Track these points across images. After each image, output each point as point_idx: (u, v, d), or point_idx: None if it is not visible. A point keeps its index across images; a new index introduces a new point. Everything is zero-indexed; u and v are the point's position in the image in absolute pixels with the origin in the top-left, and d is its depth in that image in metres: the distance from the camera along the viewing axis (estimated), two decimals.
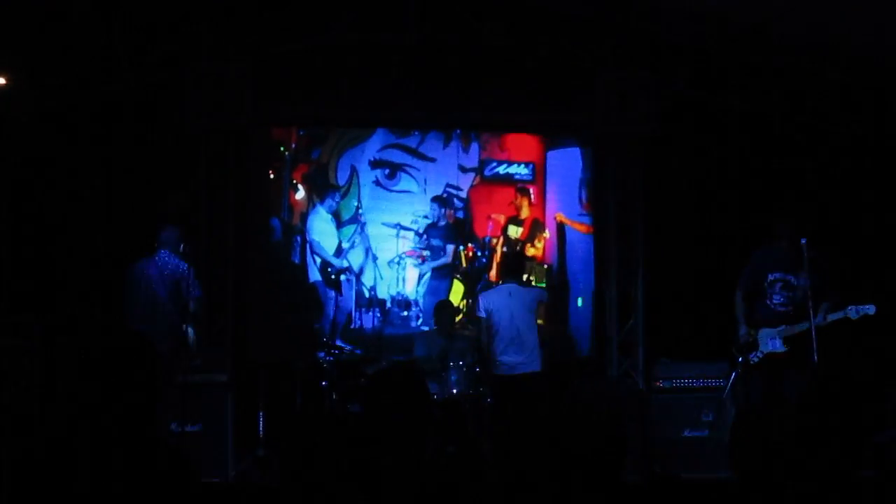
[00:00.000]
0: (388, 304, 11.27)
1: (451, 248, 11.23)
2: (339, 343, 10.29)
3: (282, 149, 11.12)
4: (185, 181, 10.33)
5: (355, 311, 11.13)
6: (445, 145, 11.34)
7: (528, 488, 3.55)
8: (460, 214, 11.33)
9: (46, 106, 10.10)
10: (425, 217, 11.22)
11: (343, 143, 11.24)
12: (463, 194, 11.33)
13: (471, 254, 11.28)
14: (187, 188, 10.31)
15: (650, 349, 10.49)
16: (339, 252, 11.05)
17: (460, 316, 10.90)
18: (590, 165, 11.13)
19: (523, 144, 11.49)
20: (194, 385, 8.92)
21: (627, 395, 9.74)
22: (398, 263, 11.32)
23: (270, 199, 10.98)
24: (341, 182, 11.17)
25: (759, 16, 9.39)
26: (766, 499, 4.55)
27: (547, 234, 11.23)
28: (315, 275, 11.00)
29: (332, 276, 10.95)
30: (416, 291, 11.28)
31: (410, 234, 11.29)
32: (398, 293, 11.25)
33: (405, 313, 11.23)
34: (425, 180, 11.28)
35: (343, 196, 11.14)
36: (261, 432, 9.47)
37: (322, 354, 9.43)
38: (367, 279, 11.12)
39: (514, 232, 11.23)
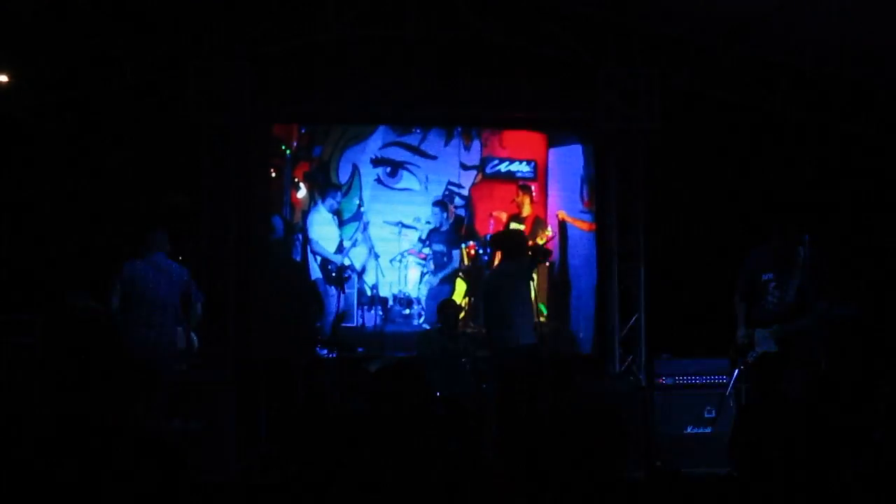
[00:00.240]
0: (390, 303, 11.27)
1: (456, 252, 11.23)
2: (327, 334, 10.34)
3: (283, 147, 11.12)
4: (186, 178, 10.33)
5: (357, 309, 11.13)
6: (447, 143, 11.33)
7: (530, 484, 3.54)
8: (461, 212, 11.32)
9: (46, 103, 10.11)
10: (427, 223, 11.22)
11: (344, 140, 11.23)
12: (464, 192, 11.32)
13: (472, 252, 11.27)
14: (188, 185, 10.31)
15: (652, 345, 10.49)
16: (340, 250, 11.05)
17: (463, 314, 10.88)
18: (592, 162, 11.13)
19: (525, 142, 11.48)
20: (196, 382, 8.92)
21: (629, 392, 9.73)
22: (400, 261, 11.31)
23: (272, 197, 10.98)
24: (343, 180, 11.16)
25: (762, 11, 9.36)
26: (767, 495, 4.55)
27: (549, 231, 11.22)
28: (315, 272, 11.00)
29: (333, 274, 10.94)
30: (418, 289, 11.28)
31: (412, 232, 11.28)
32: (400, 291, 11.24)
33: (407, 311, 11.22)
34: (427, 178, 11.28)
35: (344, 194, 11.14)
36: (262, 429, 9.47)
37: (324, 352, 9.43)
38: (369, 277, 11.12)
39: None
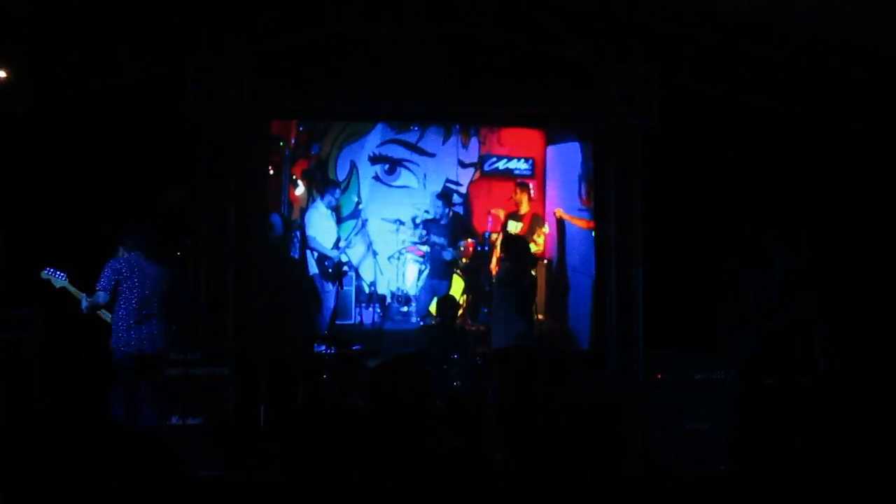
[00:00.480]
0: (388, 300, 11.28)
1: (461, 242, 11.25)
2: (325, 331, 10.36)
3: (281, 144, 11.13)
4: (185, 175, 10.34)
5: (355, 306, 11.14)
6: (445, 140, 11.34)
7: (529, 481, 3.56)
8: (459, 210, 11.33)
9: (46, 100, 10.11)
10: (426, 212, 11.22)
11: (342, 138, 11.24)
12: (463, 189, 11.33)
13: (471, 249, 11.28)
14: (187, 182, 10.32)
15: (650, 341, 10.50)
16: (337, 246, 11.06)
17: (461, 311, 10.89)
18: (590, 160, 11.15)
19: (523, 139, 11.49)
20: (196, 378, 8.93)
21: (627, 388, 9.75)
22: (398, 259, 11.32)
23: (271, 194, 10.99)
24: (341, 177, 11.17)
25: (762, 8, 9.38)
26: (765, 491, 4.57)
27: (546, 228, 11.23)
28: (313, 268, 11.02)
29: (329, 270, 10.95)
30: (416, 287, 11.29)
31: (410, 230, 11.29)
32: (398, 289, 11.25)
33: (405, 309, 11.23)
34: (425, 175, 11.29)
35: (343, 191, 11.15)
36: (262, 425, 9.48)
37: (323, 348, 9.43)
38: (368, 275, 11.13)
39: (514, 227, 11.22)
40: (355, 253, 11.11)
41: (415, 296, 11.22)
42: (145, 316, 8.28)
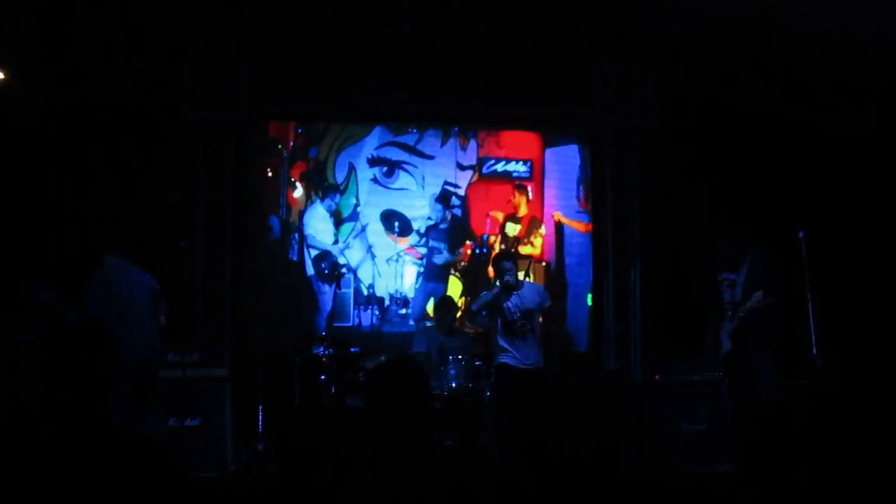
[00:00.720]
0: (387, 302, 11.27)
1: (458, 249, 11.25)
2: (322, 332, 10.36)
3: (279, 146, 11.13)
4: (182, 176, 10.34)
5: (353, 308, 11.13)
6: (443, 143, 11.34)
7: (527, 483, 3.56)
8: (457, 212, 11.33)
9: (43, 101, 10.11)
10: (429, 218, 11.22)
11: (341, 140, 11.24)
12: (461, 192, 11.33)
13: (469, 252, 11.28)
14: (184, 183, 10.32)
15: (648, 343, 10.50)
16: (334, 245, 11.08)
17: (459, 313, 10.89)
18: (588, 162, 11.15)
19: (521, 142, 11.49)
20: (193, 380, 8.92)
21: (625, 390, 9.75)
22: (396, 261, 11.32)
23: (268, 196, 10.99)
24: (339, 180, 11.17)
25: (757, 8, 9.38)
26: (763, 492, 4.57)
27: (544, 230, 11.24)
28: (310, 269, 11.02)
29: (325, 272, 10.95)
30: (415, 289, 11.29)
31: (409, 233, 11.29)
32: (396, 291, 11.25)
33: (403, 311, 11.22)
34: (423, 178, 11.29)
35: (341, 194, 11.16)
36: (260, 426, 9.48)
37: (321, 349, 9.43)
38: (366, 277, 11.13)
39: (512, 230, 11.22)
40: (353, 255, 11.11)
41: (413, 298, 11.23)
42: (134, 323, 8.25)
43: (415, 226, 11.29)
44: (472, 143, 11.32)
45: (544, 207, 11.35)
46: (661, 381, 9.54)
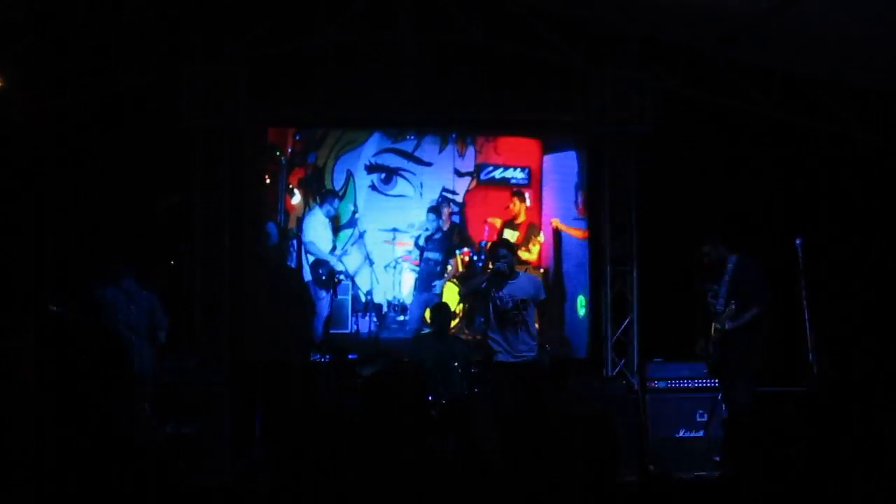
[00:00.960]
0: (385, 309, 11.28)
1: (449, 261, 11.24)
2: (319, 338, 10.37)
3: (278, 153, 11.14)
4: (180, 182, 10.35)
5: (351, 315, 11.14)
6: (441, 149, 11.36)
7: (524, 488, 3.58)
8: (456, 219, 11.34)
9: (41, 107, 10.13)
10: (426, 229, 11.24)
11: (339, 147, 11.25)
12: (459, 198, 11.35)
13: (467, 258, 11.28)
14: (182, 189, 10.33)
15: (645, 349, 10.50)
16: (332, 252, 11.09)
17: (456, 320, 10.91)
18: (585, 166, 11.15)
19: (519, 149, 11.50)
20: (192, 385, 8.93)
21: (622, 396, 9.75)
22: (394, 268, 11.33)
23: (267, 203, 11.01)
24: (337, 186, 11.18)
25: (754, 15, 9.40)
26: (759, 498, 4.59)
27: (542, 237, 11.25)
28: (307, 275, 11.03)
29: (323, 277, 10.96)
30: (413, 296, 11.30)
31: (406, 238, 11.30)
32: (394, 297, 11.25)
33: (401, 318, 11.23)
34: (421, 184, 11.30)
35: (340, 199, 11.18)
36: (258, 432, 9.48)
37: (317, 356, 9.44)
38: (364, 283, 11.14)
39: (510, 236, 11.22)
40: (351, 261, 11.12)
41: (410, 305, 11.24)
42: (131, 348, 8.36)
43: (413, 232, 11.30)
44: (470, 150, 11.34)
45: (542, 214, 11.36)
46: (658, 386, 9.55)
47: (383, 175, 11.26)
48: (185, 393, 8.69)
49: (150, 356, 8.67)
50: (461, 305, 11.18)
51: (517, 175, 11.45)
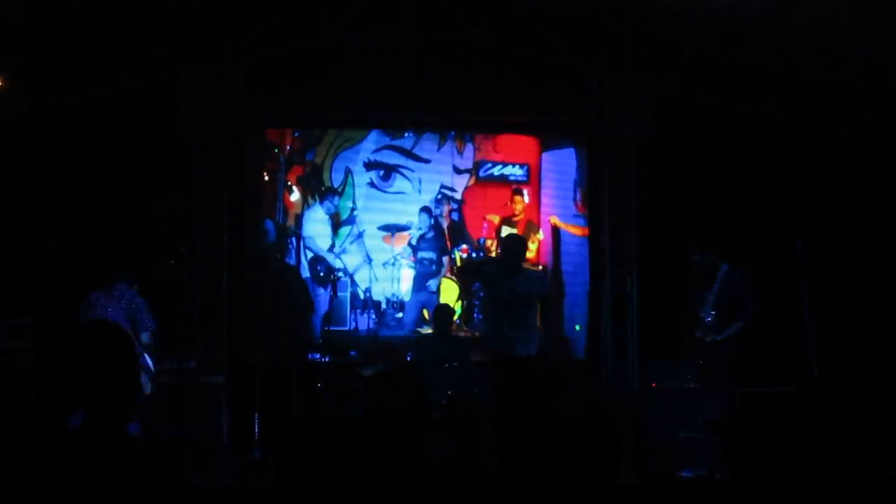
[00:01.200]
0: (384, 306, 11.27)
1: (444, 259, 11.23)
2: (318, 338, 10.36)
3: (276, 150, 11.13)
4: (179, 183, 10.33)
5: (350, 312, 11.13)
6: (440, 146, 11.35)
7: (525, 489, 3.57)
8: (455, 216, 11.33)
9: (41, 108, 10.11)
10: (419, 229, 11.23)
11: (338, 144, 11.24)
12: (458, 195, 11.34)
13: (465, 254, 11.27)
14: (181, 190, 10.31)
15: (644, 349, 10.49)
16: (331, 250, 11.08)
17: (456, 317, 10.89)
18: (584, 163, 11.14)
19: (518, 146, 11.49)
20: (191, 387, 8.93)
21: (622, 396, 9.74)
22: (393, 265, 11.32)
23: (265, 200, 10.99)
24: (336, 184, 11.17)
25: (754, 16, 9.39)
26: (760, 498, 4.59)
27: (541, 235, 11.24)
28: (305, 271, 11.03)
29: (321, 274, 10.96)
30: (411, 293, 11.29)
31: (405, 235, 11.30)
32: (393, 295, 11.25)
33: (400, 315, 11.23)
34: (420, 182, 11.29)
35: (340, 196, 11.17)
36: (257, 434, 9.48)
37: (317, 356, 9.43)
38: (363, 281, 11.13)
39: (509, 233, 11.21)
40: (350, 259, 11.12)
41: (408, 303, 11.23)
42: None
43: (411, 230, 11.29)
44: (469, 147, 11.32)
45: (541, 211, 11.35)
46: (658, 388, 9.54)
47: (382, 172, 11.25)
48: (184, 395, 8.68)
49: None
50: (460, 302, 11.17)
51: (516, 172, 11.44)
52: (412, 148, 11.27)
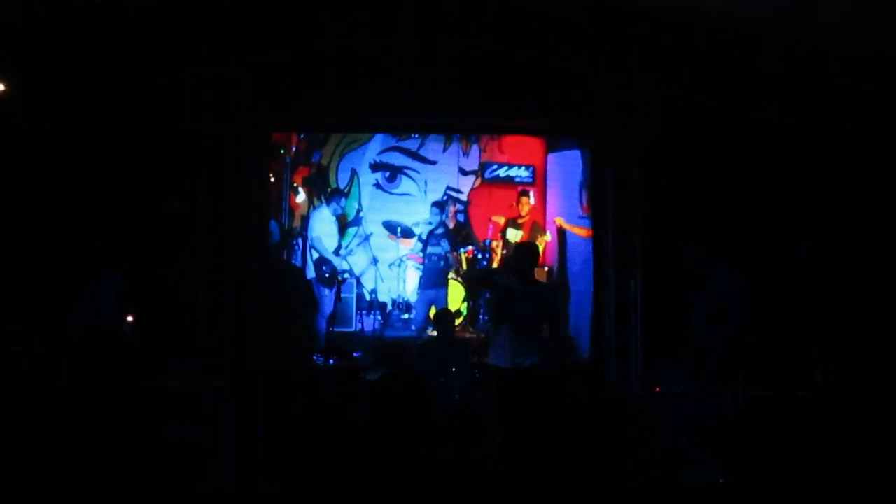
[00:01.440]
0: (389, 307, 11.29)
1: (451, 256, 11.24)
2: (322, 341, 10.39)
3: (282, 152, 11.14)
4: (184, 187, 10.34)
5: (356, 313, 11.15)
6: (446, 148, 11.38)
7: (528, 493, 3.57)
8: (460, 217, 11.35)
9: (45, 112, 10.13)
10: (429, 223, 11.23)
11: (343, 145, 11.29)
12: (463, 197, 11.35)
13: (471, 256, 11.27)
14: (186, 194, 10.32)
15: (649, 353, 10.48)
16: (337, 252, 11.10)
17: (460, 319, 10.89)
18: (589, 169, 11.13)
19: (524, 147, 11.51)
20: (194, 391, 8.93)
21: (626, 400, 9.72)
22: (399, 266, 11.33)
23: (270, 202, 10.99)
24: (342, 185, 11.20)
25: (758, 21, 9.37)
26: (765, 503, 4.58)
27: (548, 236, 11.24)
28: (310, 272, 11.03)
29: (326, 275, 10.97)
30: (417, 294, 11.30)
31: (410, 238, 11.32)
32: (399, 296, 11.26)
33: (406, 316, 11.24)
34: (426, 183, 11.33)
35: (346, 197, 11.20)
36: (260, 438, 9.47)
37: (321, 360, 9.43)
38: (368, 282, 11.15)
39: (514, 235, 11.22)
40: (357, 261, 11.13)
41: (415, 304, 11.24)
42: None
43: (416, 231, 11.31)
44: (475, 149, 11.35)
45: (546, 212, 11.35)
46: (663, 391, 9.52)
47: (388, 173, 11.29)
48: (188, 398, 8.67)
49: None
50: (465, 304, 11.18)
51: (521, 173, 11.47)
52: (418, 149, 11.30)
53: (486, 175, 11.43)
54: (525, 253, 8.71)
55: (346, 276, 11.06)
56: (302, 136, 11.24)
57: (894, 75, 9.90)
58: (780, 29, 9.30)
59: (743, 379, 8.33)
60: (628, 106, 10.34)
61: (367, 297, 11.17)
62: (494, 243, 11.27)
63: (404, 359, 10.02)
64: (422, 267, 11.27)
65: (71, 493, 3.21)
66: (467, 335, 10.75)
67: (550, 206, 11.42)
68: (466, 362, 9.47)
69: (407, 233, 11.41)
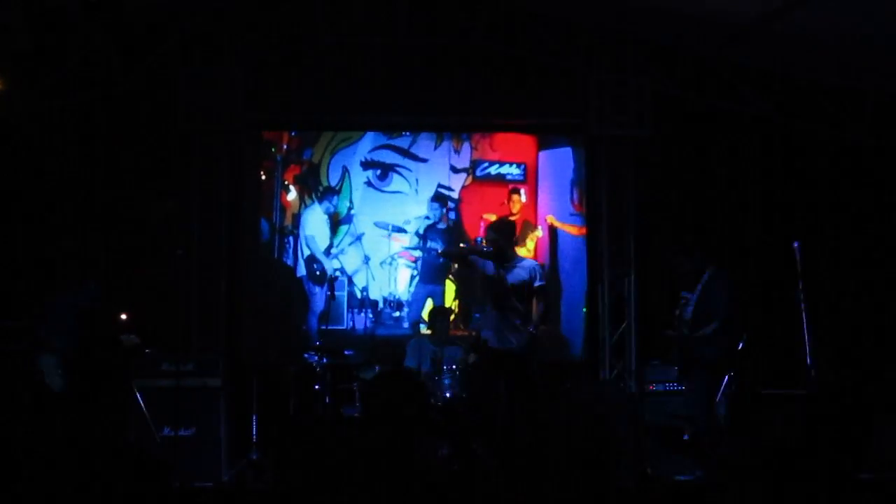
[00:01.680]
0: (381, 305, 11.27)
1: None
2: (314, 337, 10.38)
3: (273, 149, 11.13)
4: (177, 186, 10.33)
5: (347, 311, 11.13)
6: (437, 146, 11.35)
7: (522, 490, 3.58)
8: (452, 215, 11.34)
9: (38, 109, 10.10)
10: (426, 218, 11.23)
11: (335, 143, 11.24)
12: (455, 195, 11.34)
13: None
14: (179, 192, 10.31)
15: (642, 351, 10.49)
16: (329, 252, 11.08)
17: (453, 316, 10.90)
18: (582, 165, 11.14)
19: (515, 145, 11.49)
20: (188, 389, 8.93)
21: (620, 399, 9.74)
22: (390, 264, 11.32)
23: (262, 199, 10.99)
24: (333, 183, 11.18)
25: (753, 19, 9.39)
26: (758, 501, 4.60)
27: (539, 232, 11.24)
28: (301, 269, 11.03)
29: (318, 273, 10.97)
30: (409, 292, 11.29)
31: (402, 235, 11.30)
32: (390, 294, 11.25)
33: (397, 314, 11.23)
34: (417, 181, 11.29)
35: (338, 195, 11.18)
36: (254, 436, 9.47)
37: (314, 358, 9.41)
38: (360, 280, 11.14)
39: None
40: (348, 260, 11.12)
41: (407, 301, 11.22)
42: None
43: (409, 228, 11.29)
44: (466, 146, 11.33)
45: (538, 210, 11.35)
46: (656, 389, 9.55)
47: (379, 171, 11.26)
48: (182, 396, 8.67)
49: (55, 371, 8.60)
50: (456, 301, 11.18)
51: (513, 171, 11.44)
52: (409, 147, 11.28)
53: (478, 173, 11.39)
54: (496, 232, 8.69)
55: (338, 274, 11.05)
56: (293, 134, 11.22)
57: (889, 74, 9.93)
58: (775, 27, 9.31)
59: (736, 377, 8.37)
60: (622, 105, 10.35)
61: (359, 296, 11.15)
62: (485, 241, 11.24)
63: (397, 357, 10.03)
64: (413, 265, 11.26)
65: (65, 494, 3.21)
66: (460, 333, 10.75)
67: (542, 203, 11.40)
68: (460, 359, 9.48)
69: (399, 231, 11.40)
